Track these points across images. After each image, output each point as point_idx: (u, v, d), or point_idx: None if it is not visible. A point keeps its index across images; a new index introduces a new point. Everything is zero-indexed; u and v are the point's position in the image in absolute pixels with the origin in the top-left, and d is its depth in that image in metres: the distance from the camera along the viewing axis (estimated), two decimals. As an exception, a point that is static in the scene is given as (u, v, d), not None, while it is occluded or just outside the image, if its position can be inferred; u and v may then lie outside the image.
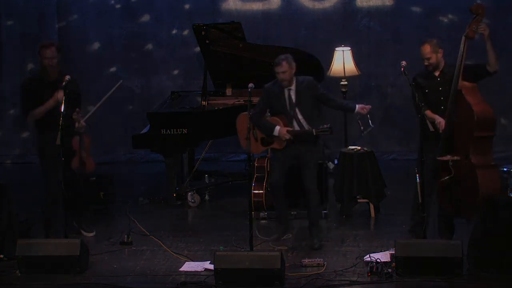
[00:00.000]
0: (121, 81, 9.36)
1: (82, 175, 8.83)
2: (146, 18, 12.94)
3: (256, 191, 9.44)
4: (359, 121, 9.79)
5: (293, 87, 8.41)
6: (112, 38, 12.98)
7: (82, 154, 8.69)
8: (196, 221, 9.92)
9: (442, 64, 8.04)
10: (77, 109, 8.57)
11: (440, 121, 7.86)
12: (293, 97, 8.42)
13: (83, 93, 8.95)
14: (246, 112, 8.51)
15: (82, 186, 8.87)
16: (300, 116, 8.44)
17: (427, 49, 7.98)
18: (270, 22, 12.66)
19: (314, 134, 8.32)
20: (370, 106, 8.53)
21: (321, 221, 8.90)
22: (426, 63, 8.02)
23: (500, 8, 11.94)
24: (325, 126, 8.31)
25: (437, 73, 8.03)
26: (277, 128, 8.40)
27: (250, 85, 8.13)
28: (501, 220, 7.39)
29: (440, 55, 8.01)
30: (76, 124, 8.53)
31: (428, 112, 7.90)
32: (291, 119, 8.44)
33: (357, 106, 8.49)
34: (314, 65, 10.50)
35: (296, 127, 8.42)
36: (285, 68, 8.29)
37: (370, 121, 10.36)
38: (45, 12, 13.01)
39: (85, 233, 8.77)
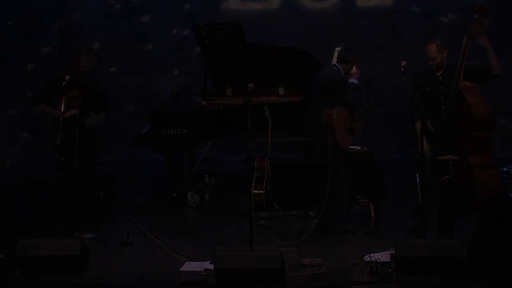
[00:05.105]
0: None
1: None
2: (146, 18, 12.95)
3: (256, 191, 9.43)
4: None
5: None
6: (112, 38, 12.99)
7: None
8: (196, 221, 9.92)
9: (445, 64, 8.03)
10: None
11: (427, 149, 7.84)
12: None
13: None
14: (336, 108, 8.46)
15: (90, 187, 8.90)
16: None
17: (433, 48, 7.94)
18: (270, 22, 12.68)
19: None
20: None
21: None
22: (430, 63, 7.99)
23: (500, 8, 11.96)
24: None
25: (439, 73, 8.02)
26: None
27: (250, 85, 8.11)
28: (501, 220, 7.39)
29: (445, 55, 7.99)
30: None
31: (418, 125, 7.87)
32: None
33: None
34: (314, 65, 10.50)
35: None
36: None
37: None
38: (45, 12, 13.03)
39: (83, 236, 8.73)
